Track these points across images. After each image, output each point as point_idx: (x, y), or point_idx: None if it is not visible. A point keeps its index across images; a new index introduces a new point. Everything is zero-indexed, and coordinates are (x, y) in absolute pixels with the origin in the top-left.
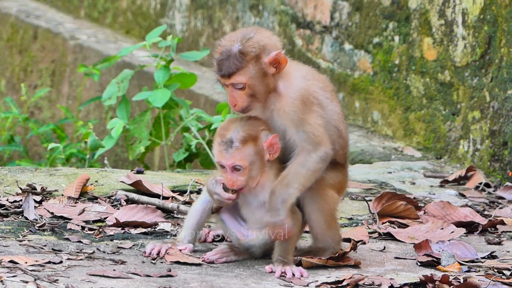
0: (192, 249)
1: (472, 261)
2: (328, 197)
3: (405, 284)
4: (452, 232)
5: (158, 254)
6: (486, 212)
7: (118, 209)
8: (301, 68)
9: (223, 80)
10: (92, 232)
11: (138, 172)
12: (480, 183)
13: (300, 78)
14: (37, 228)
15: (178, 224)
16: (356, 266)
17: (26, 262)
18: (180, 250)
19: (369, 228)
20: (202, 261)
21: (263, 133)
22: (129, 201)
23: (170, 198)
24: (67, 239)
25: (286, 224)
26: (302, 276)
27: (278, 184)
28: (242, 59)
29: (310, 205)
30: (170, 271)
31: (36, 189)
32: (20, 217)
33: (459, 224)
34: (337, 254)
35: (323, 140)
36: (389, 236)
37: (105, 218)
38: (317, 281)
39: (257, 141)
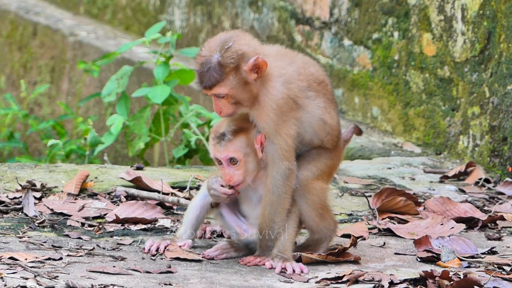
0: (191, 245)
1: (472, 257)
2: (316, 189)
3: (405, 280)
4: (452, 227)
5: (157, 250)
6: (486, 208)
7: (118, 205)
8: (286, 70)
9: (205, 91)
10: (92, 228)
11: (138, 168)
12: (480, 179)
13: (280, 83)
14: (37, 224)
15: (178, 220)
16: (356, 262)
17: (26, 259)
18: (179, 246)
19: (369, 224)
20: (202, 257)
21: (255, 129)
22: (129, 197)
23: (170, 194)
24: (67, 235)
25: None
26: (302, 272)
27: (262, 224)
28: (222, 71)
29: (299, 201)
30: (170, 267)
31: (36, 186)
32: (20, 213)
33: (459, 220)
34: (337, 250)
35: (288, 155)
36: (389, 232)
37: (105, 214)
38: (317, 277)
39: (249, 134)
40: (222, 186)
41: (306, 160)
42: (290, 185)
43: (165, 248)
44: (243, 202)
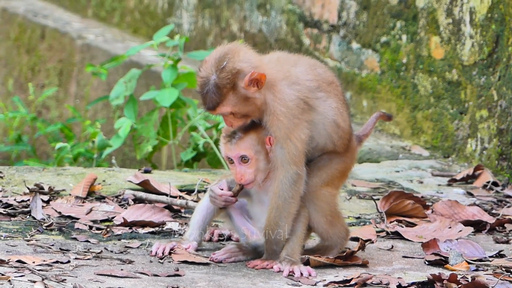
0: (196, 247)
1: (480, 260)
2: (325, 195)
3: (413, 283)
4: (460, 231)
5: (163, 253)
6: (494, 211)
7: (126, 208)
8: (291, 71)
9: (209, 112)
10: (100, 231)
11: (146, 171)
12: (488, 182)
13: (287, 86)
14: (44, 227)
15: (185, 223)
16: (364, 265)
17: (33, 262)
18: (185, 249)
19: (377, 227)
20: (210, 260)
21: (265, 129)
22: (137, 200)
23: (178, 197)
24: (75, 238)
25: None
26: (310, 275)
27: (267, 227)
28: (220, 92)
29: (308, 208)
30: (178, 270)
31: (43, 189)
32: (28, 216)
33: (467, 223)
34: (345, 254)
35: (297, 160)
36: (397, 235)
37: (113, 217)
38: (325, 280)
39: (259, 133)
40: (221, 189)
41: (316, 166)
42: (297, 190)
43: (171, 250)
44: (253, 204)
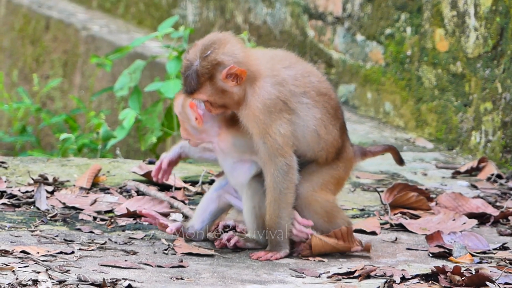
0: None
1: (484, 253)
2: (318, 202)
3: (416, 275)
4: (464, 223)
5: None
6: (498, 203)
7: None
8: (280, 72)
9: (187, 95)
10: (104, 222)
11: (150, 162)
12: (492, 174)
13: (270, 84)
14: (49, 218)
15: (187, 217)
16: (367, 256)
17: (37, 253)
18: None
19: (381, 219)
20: (217, 246)
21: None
22: (139, 193)
23: (182, 189)
24: (79, 229)
25: (287, 251)
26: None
27: (269, 221)
28: (198, 80)
29: (303, 213)
30: (181, 261)
31: (48, 180)
32: (32, 207)
33: (471, 215)
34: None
35: (283, 151)
36: (401, 227)
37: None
38: (328, 272)
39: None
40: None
41: (307, 171)
42: (290, 180)
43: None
44: (229, 179)
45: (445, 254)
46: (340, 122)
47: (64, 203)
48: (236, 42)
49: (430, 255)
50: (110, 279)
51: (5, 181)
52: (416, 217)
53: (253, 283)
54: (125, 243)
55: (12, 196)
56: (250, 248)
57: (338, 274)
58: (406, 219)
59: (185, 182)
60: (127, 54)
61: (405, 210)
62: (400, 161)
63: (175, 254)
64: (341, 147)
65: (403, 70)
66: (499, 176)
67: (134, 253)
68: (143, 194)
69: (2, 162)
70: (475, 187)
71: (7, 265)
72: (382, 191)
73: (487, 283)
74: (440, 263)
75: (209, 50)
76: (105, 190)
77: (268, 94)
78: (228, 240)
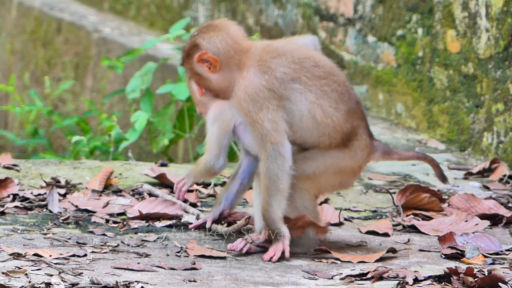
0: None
1: (497, 254)
2: (301, 191)
3: (429, 277)
4: (476, 224)
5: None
6: (510, 205)
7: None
8: (267, 61)
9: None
10: (116, 225)
11: (162, 165)
12: (504, 175)
13: (253, 75)
14: (61, 221)
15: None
16: (380, 259)
17: (50, 255)
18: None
19: (393, 221)
20: (229, 250)
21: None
22: (151, 195)
23: (194, 191)
24: (91, 232)
25: (287, 237)
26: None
27: (262, 209)
28: (183, 55)
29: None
30: (194, 264)
31: (60, 182)
32: (45, 210)
33: (483, 217)
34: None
35: (272, 137)
36: (413, 229)
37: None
38: (341, 273)
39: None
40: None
41: (303, 156)
42: (280, 167)
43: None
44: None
45: (458, 256)
46: (347, 106)
47: (76, 206)
48: (232, 31)
49: (443, 256)
50: (123, 281)
51: (17, 184)
52: (429, 218)
53: (265, 285)
54: (138, 246)
55: (24, 199)
56: (261, 252)
57: (351, 276)
58: (419, 220)
59: (197, 184)
60: (138, 56)
61: (418, 212)
62: (442, 177)
63: (188, 256)
64: (349, 133)
65: (415, 71)
66: (511, 177)
67: (147, 255)
68: (156, 196)
69: (15, 165)
70: (487, 188)
71: (20, 268)
72: (394, 193)
73: (500, 284)
74: (452, 264)
75: (197, 31)
76: (117, 192)
77: (251, 83)
78: (240, 250)
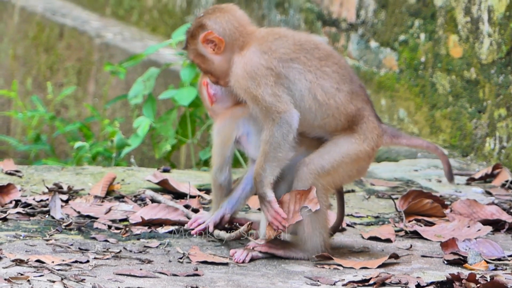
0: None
1: (499, 259)
2: (318, 189)
3: (432, 283)
4: (479, 230)
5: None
6: None
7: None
8: (268, 43)
9: (183, 50)
10: (119, 231)
11: (165, 170)
12: (507, 181)
13: (253, 54)
14: (63, 227)
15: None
16: (382, 265)
17: (52, 262)
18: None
19: (396, 227)
20: (231, 257)
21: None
22: (154, 201)
23: (197, 197)
24: (94, 238)
25: (273, 201)
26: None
27: (255, 171)
28: (187, 36)
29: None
30: (196, 270)
31: (62, 188)
32: (47, 216)
33: (485, 222)
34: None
35: (278, 107)
36: (416, 235)
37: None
38: (343, 280)
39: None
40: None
41: (318, 153)
42: (284, 136)
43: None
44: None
45: (460, 261)
46: (349, 88)
47: (78, 212)
48: (238, 14)
49: (445, 262)
50: None
51: (20, 190)
52: (431, 224)
53: None
54: (140, 252)
55: (26, 205)
56: (264, 258)
57: (354, 282)
58: (421, 226)
59: (199, 190)
60: (141, 61)
61: (420, 217)
62: (449, 175)
63: (190, 262)
64: (354, 115)
65: (417, 76)
66: None
67: (149, 261)
68: (158, 202)
69: (17, 171)
70: (489, 193)
71: (22, 275)
72: (396, 198)
73: None
74: (455, 270)
75: (203, 13)
76: (119, 198)
77: (250, 61)
78: (243, 261)
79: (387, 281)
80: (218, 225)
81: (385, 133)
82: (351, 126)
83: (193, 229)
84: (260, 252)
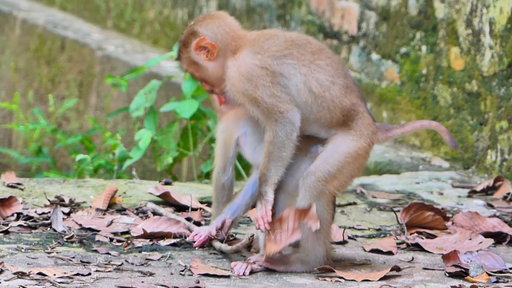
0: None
1: (501, 272)
2: (326, 197)
3: None
4: (480, 242)
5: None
6: None
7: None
8: (260, 44)
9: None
10: (121, 244)
11: (166, 183)
12: (508, 193)
13: (246, 55)
14: (65, 240)
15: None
16: (384, 277)
17: (54, 274)
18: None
19: (397, 239)
20: (232, 269)
21: None
22: (155, 214)
23: (199, 210)
24: (96, 251)
25: (269, 202)
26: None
27: (260, 171)
28: (179, 48)
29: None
30: (198, 282)
31: (64, 201)
32: (49, 229)
33: (487, 235)
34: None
35: (279, 107)
36: (417, 247)
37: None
38: None
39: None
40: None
41: (321, 158)
42: (287, 135)
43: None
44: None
45: (462, 274)
46: (344, 82)
47: (80, 225)
48: (228, 20)
49: (447, 274)
50: None
51: (21, 203)
52: (433, 236)
53: None
54: (142, 264)
55: (28, 217)
56: (265, 270)
57: None
58: (423, 238)
59: (201, 202)
60: (142, 74)
61: (422, 230)
62: (452, 142)
63: (192, 275)
64: (349, 109)
65: (419, 89)
66: None
67: (151, 274)
68: (160, 214)
69: (18, 184)
70: (491, 206)
71: (24, 287)
72: (398, 211)
73: None
74: (456, 282)
75: (194, 21)
76: (121, 211)
77: (244, 62)
78: (243, 273)
79: None
80: (220, 230)
81: (379, 130)
82: (346, 122)
83: (195, 241)
84: (261, 265)
